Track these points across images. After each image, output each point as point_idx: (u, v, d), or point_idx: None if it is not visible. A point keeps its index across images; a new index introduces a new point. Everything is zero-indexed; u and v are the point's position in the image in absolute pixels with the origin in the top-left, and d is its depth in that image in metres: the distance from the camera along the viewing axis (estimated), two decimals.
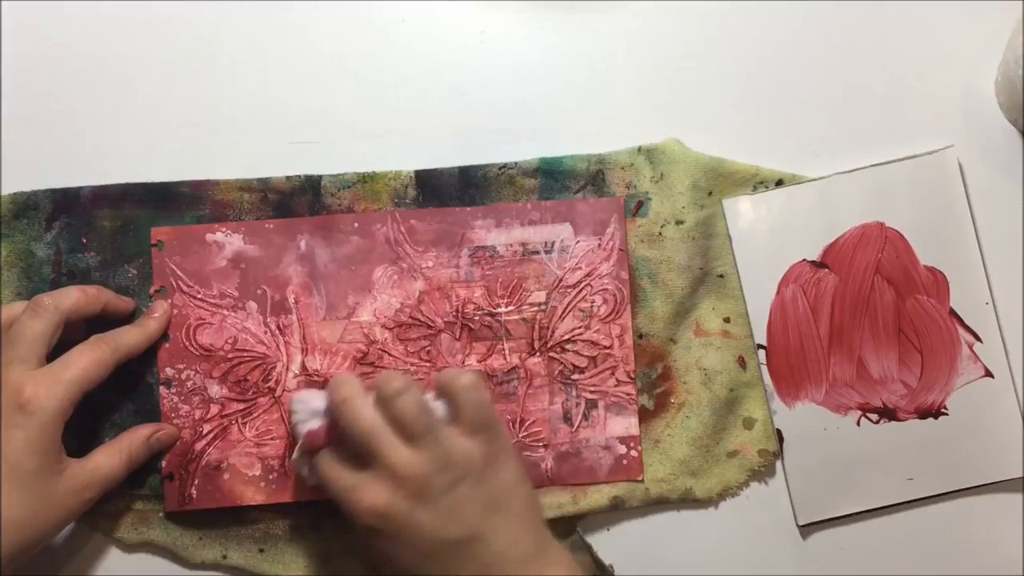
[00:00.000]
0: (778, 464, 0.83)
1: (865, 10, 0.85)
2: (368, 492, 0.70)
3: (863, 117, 0.85)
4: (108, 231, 0.83)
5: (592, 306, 0.83)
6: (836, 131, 0.85)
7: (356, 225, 0.83)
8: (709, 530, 0.83)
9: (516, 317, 0.82)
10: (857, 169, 0.83)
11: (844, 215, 0.83)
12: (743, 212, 0.83)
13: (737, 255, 0.83)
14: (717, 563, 0.83)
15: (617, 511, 0.82)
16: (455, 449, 0.71)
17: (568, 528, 0.82)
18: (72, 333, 0.78)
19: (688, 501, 0.83)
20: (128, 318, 0.82)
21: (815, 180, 0.83)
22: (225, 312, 0.82)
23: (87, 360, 0.75)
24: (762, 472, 0.83)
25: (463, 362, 0.82)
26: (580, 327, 0.82)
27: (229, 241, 0.83)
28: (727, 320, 0.83)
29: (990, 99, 0.85)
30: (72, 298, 0.77)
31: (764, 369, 0.83)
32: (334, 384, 0.74)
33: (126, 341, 0.79)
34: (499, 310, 0.83)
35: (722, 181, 0.83)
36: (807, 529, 0.83)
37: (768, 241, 0.83)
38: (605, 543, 0.82)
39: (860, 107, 0.85)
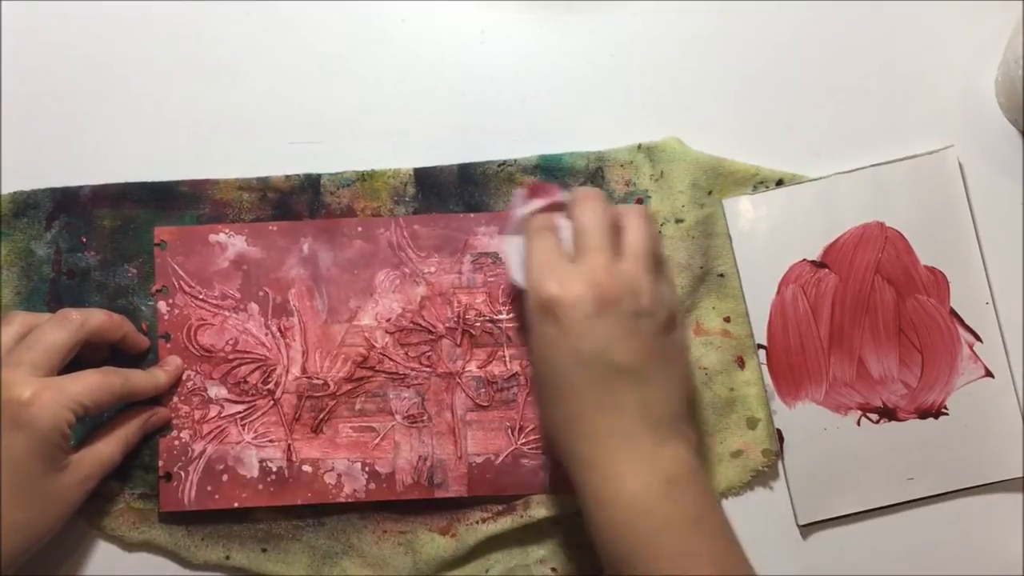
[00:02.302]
0: (778, 464, 0.83)
1: (865, 10, 0.85)
2: (564, 277, 0.70)
3: (863, 117, 0.85)
4: (108, 230, 0.83)
5: None
6: (836, 131, 0.85)
7: (359, 229, 0.83)
8: None
9: (517, 324, 0.83)
10: (857, 169, 0.83)
11: (844, 215, 0.83)
12: (743, 212, 0.83)
13: (737, 255, 0.83)
14: None
15: None
16: (654, 287, 0.71)
17: (570, 524, 0.82)
18: (90, 355, 0.79)
19: None
20: (140, 358, 0.83)
21: (815, 180, 0.83)
22: (226, 313, 0.82)
23: (97, 382, 0.74)
24: (765, 472, 0.83)
25: (463, 368, 0.82)
26: None
27: (232, 242, 0.83)
28: (727, 320, 0.83)
29: (990, 99, 0.85)
30: (99, 319, 0.78)
31: (764, 369, 0.83)
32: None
33: (136, 382, 0.78)
34: (500, 317, 0.82)
35: (722, 180, 0.83)
36: (807, 529, 0.83)
37: (768, 241, 0.83)
38: None
39: (860, 107, 0.85)
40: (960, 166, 0.83)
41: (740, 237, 0.83)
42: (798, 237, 0.83)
